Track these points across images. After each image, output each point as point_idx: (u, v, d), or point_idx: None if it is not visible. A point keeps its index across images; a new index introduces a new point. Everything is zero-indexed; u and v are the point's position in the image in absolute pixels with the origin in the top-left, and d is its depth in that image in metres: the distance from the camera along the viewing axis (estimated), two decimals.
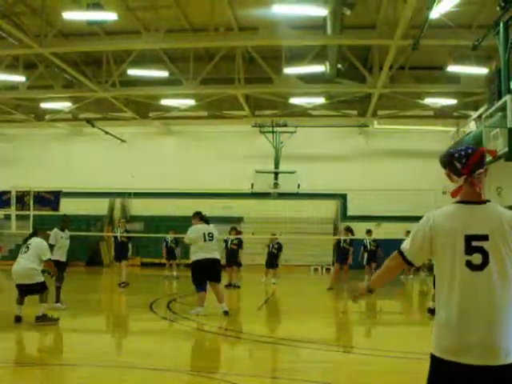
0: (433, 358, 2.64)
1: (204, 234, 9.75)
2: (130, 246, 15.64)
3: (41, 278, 8.66)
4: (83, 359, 6.72)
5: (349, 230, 16.28)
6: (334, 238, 19.67)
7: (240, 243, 15.70)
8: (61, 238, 10.84)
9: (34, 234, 9.20)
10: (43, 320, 8.51)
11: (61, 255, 10.75)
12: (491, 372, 2.50)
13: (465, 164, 2.72)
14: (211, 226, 10.15)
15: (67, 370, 6.35)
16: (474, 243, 2.60)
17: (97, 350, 7.30)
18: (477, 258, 2.59)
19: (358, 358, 7.08)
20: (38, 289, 8.59)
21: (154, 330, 9.25)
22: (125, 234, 15.61)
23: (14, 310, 8.55)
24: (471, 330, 2.53)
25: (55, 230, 10.94)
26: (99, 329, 9.29)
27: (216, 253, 9.91)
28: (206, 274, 9.77)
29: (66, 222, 11.29)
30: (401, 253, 2.83)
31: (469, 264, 2.59)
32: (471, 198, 2.72)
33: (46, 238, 9.64)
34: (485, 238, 2.60)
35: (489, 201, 2.73)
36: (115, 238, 15.70)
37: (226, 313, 9.79)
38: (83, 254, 22.87)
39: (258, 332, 8.61)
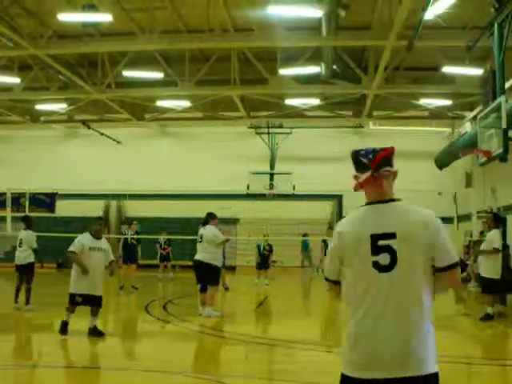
0: (342, 377, 2.45)
1: (198, 236, 10.44)
2: (139, 248, 15.43)
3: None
4: (78, 362, 6.70)
5: (331, 229, 16.39)
6: (321, 238, 19.50)
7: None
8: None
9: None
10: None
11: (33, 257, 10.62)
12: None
13: (371, 159, 2.59)
14: (207, 227, 10.42)
15: (61, 372, 6.33)
16: (381, 242, 2.44)
17: (92, 352, 7.28)
18: (384, 258, 2.42)
19: None
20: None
21: (149, 331, 9.25)
22: (135, 236, 15.39)
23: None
24: (383, 340, 2.35)
25: (30, 232, 10.67)
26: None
27: (201, 254, 10.18)
28: (196, 274, 10.30)
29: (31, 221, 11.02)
30: (326, 279, 2.74)
31: (376, 265, 2.42)
32: (377, 197, 2.59)
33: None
34: (392, 235, 2.44)
35: (399, 199, 2.62)
36: (125, 239, 15.24)
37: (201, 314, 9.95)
38: None
39: (253, 333, 8.61)
